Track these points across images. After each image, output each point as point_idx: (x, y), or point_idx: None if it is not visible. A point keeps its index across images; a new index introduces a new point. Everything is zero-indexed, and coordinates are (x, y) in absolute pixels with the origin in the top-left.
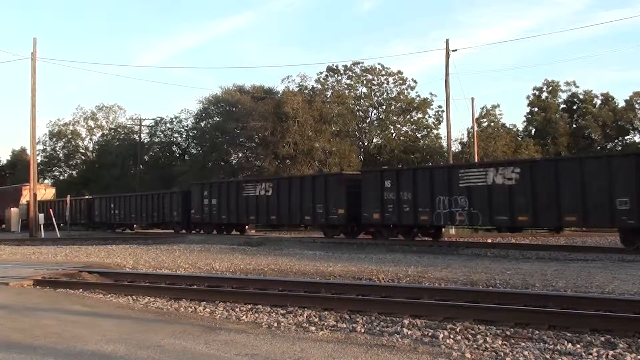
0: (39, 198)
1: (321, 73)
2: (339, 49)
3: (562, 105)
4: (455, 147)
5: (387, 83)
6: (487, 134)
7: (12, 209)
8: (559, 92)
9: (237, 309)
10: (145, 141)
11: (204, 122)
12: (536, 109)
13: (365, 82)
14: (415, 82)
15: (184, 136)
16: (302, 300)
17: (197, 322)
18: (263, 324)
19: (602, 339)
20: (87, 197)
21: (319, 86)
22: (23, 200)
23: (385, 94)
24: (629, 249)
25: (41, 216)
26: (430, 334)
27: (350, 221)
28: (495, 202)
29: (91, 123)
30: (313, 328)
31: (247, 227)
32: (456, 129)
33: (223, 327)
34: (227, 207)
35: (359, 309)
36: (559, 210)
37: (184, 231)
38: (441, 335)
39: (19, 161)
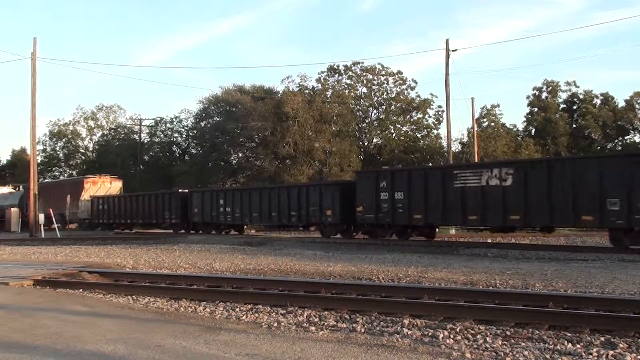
0: (102, 192)
1: (322, 73)
2: (339, 49)
3: (562, 105)
4: (455, 147)
5: (387, 83)
6: (487, 134)
7: (12, 209)
8: (559, 92)
9: (237, 309)
10: (145, 141)
11: (204, 122)
12: (536, 109)
13: (365, 82)
14: (415, 82)
15: (184, 136)
16: (302, 300)
17: (197, 322)
18: (263, 324)
19: (602, 339)
20: (180, 190)
21: (319, 86)
22: (85, 195)
23: (385, 94)
24: (626, 250)
25: (41, 216)
26: (430, 334)
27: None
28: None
29: (91, 123)
30: (313, 328)
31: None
32: (456, 129)
33: (223, 327)
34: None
35: (359, 309)
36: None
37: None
38: (441, 335)
39: (19, 161)
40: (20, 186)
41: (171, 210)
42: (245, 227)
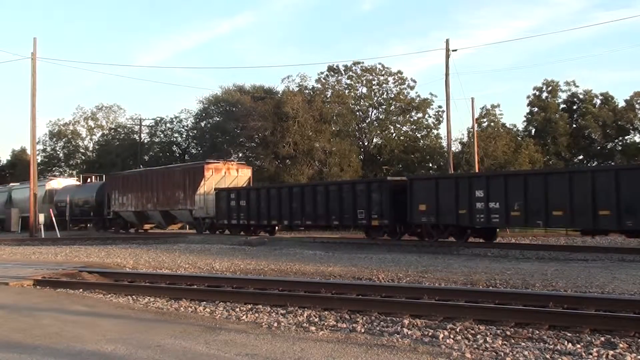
0: (227, 183)
1: (321, 73)
2: (339, 49)
3: (562, 105)
4: (455, 147)
5: (387, 83)
6: (487, 134)
7: (12, 209)
8: (558, 92)
9: (237, 309)
10: (145, 141)
11: (204, 122)
12: (536, 109)
13: (365, 82)
14: (415, 82)
15: (184, 136)
16: (302, 300)
17: (197, 322)
18: (263, 324)
19: (602, 339)
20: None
21: (319, 86)
22: (204, 187)
23: (385, 93)
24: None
25: (41, 216)
26: (430, 334)
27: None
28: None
29: (91, 123)
30: (313, 328)
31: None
32: (456, 129)
33: (223, 327)
34: None
35: (359, 309)
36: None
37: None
38: (441, 335)
39: (19, 161)
40: (95, 176)
41: (370, 207)
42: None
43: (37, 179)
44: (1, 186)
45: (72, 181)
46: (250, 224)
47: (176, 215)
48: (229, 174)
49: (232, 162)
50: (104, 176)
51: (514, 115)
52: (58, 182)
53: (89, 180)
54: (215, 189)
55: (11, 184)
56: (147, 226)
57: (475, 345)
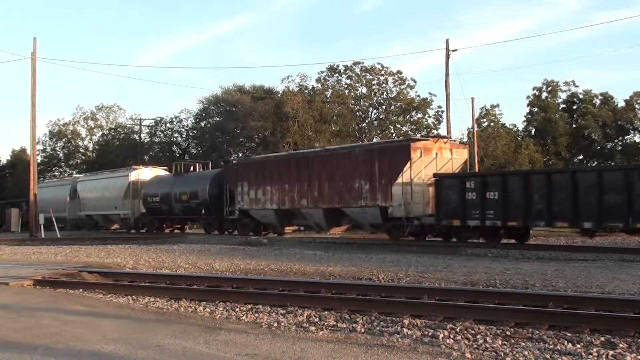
0: (437, 167)
1: (321, 73)
2: (339, 49)
3: (562, 105)
4: None
5: (387, 83)
6: (487, 134)
7: (12, 208)
8: (558, 92)
9: (237, 309)
10: (145, 141)
11: (204, 122)
12: (536, 109)
13: (365, 82)
14: (415, 82)
15: (184, 136)
16: (302, 300)
17: (197, 322)
18: (263, 324)
19: (602, 339)
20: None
21: (319, 86)
22: (409, 174)
23: (385, 93)
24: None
25: (41, 216)
26: (430, 334)
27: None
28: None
29: (91, 123)
30: (313, 328)
31: None
32: (456, 129)
33: (223, 327)
34: None
35: (359, 309)
36: None
37: None
38: (441, 335)
39: (19, 161)
40: (198, 164)
41: None
42: None
43: (118, 168)
44: (61, 178)
45: (161, 171)
46: (507, 226)
47: (351, 215)
48: (440, 156)
49: (445, 140)
50: (209, 163)
51: (514, 115)
52: (144, 172)
53: (192, 168)
54: (434, 175)
55: (75, 175)
56: (289, 229)
57: (475, 345)
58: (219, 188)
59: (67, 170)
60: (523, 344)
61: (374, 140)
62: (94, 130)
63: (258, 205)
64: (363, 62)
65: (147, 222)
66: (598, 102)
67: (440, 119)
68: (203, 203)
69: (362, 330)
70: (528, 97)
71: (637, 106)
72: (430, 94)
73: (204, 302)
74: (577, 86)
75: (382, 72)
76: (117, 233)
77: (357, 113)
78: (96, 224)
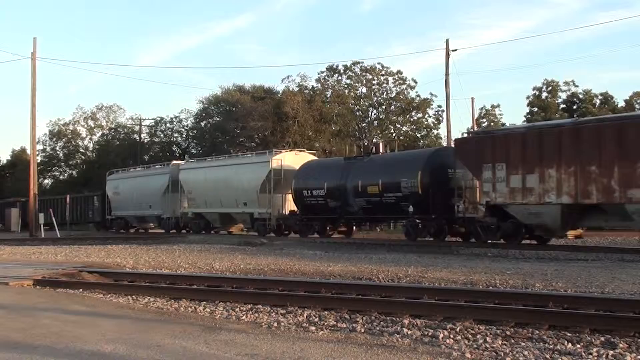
0: None
1: (321, 73)
2: (339, 49)
3: (562, 105)
4: None
5: (387, 83)
6: None
7: (12, 208)
8: (558, 92)
9: (237, 309)
10: (145, 141)
11: (204, 122)
12: (536, 109)
13: (365, 82)
14: (415, 82)
15: (184, 136)
16: (302, 300)
17: (197, 322)
18: (263, 324)
19: (602, 339)
20: None
21: (319, 86)
22: None
23: (385, 93)
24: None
25: (41, 216)
26: (430, 334)
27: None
28: None
29: (91, 123)
30: (313, 328)
31: None
32: (456, 129)
33: (223, 327)
34: None
35: (359, 309)
36: None
37: None
38: (441, 335)
39: (19, 161)
40: (382, 143)
41: None
42: None
43: (248, 152)
44: (158, 166)
45: (307, 155)
46: None
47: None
48: None
49: None
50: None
51: (514, 115)
52: (288, 157)
53: (374, 150)
54: None
55: (173, 162)
56: (573, 233)
57: (475, 345)
58: (432, 175)
59: (67, 170)
60: (523, 344)
61: (373, 140)
62: (94, 130)
63: (527, 197)
64: (363, 62)
65: (299, 224)
66: (598, 102)
67: (440, 118)
68: (410, 197)
69: (362, 330)
70: (528, 97)
71: (637, 106)
72: (431, 94)
73: (204, 302)
74: (577, 86)
75: (382, 72)
76: (119, 233)
77: (357, 113)
78: (208, 225)
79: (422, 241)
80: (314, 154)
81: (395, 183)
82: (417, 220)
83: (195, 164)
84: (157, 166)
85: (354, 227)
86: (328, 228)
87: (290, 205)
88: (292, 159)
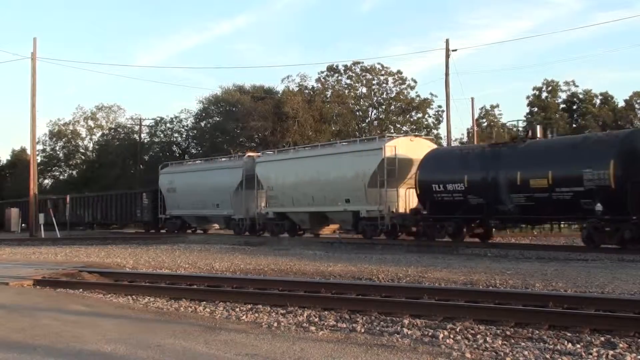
0: None
1: (321, 73)
2: (339, 49)
3: (562, 105)
4: None
5: (387, 83)
6: (487, 134)
7: (12, 208)
8: (558, 92)
9: (237, 309)
10: (145, 141)
11: (204, 122)
12: (536, 109)
13: (365, 82)
14: (415, 81)
15: (184, 136)
16: (302, 300)
17: (197, 322)
18: (263, 323)
19: (602, 339)
20: None
21: (319, 86)
22: None
23: (385, 93)
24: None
25: (41, 216)
26: (430, 334)
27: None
28: None
29: (91, 123)
30: (313, 328)
31: None
32: (456, 129)
33: (223, 327)
34: None
35: (359, 309)
36: None
37: None
38: (441, 335)
39: (19, 161)
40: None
41: None
42: None
43: (352, 139)
44: (224, 159)
45: (427, 142)
46: None
47: None
48: None
49: None
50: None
51: (514, 116)
52: (403, 144)
53: (532, 133)
54: None
55: (248, 153)
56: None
57: (475, 345)
58: (630, 164)
59: (67, 170)
60: (523, 344)
61: None
62: (94, 130)
63: None
64: (363, 62)
65: (424, 225)
66: (598, 102)
67: (440, 118)
68: (597, 192)
69: (362, 330)
70: (528, 97)
71: (637, 106)
72: (431, 94)
73: (204, 302)
74: (577, 86)
75: (382, 72)
76: (119, 233)
77: (357, 113)
78: (293, 227)
79: (422, 241)
80: (432, 141)
81: (573, 175)
82: (604, 222)
83: (277, 156)
84: (222, 159)
85: (493, 229)
86: (464, 229)
87: (406, 202)
88: (407, 147)
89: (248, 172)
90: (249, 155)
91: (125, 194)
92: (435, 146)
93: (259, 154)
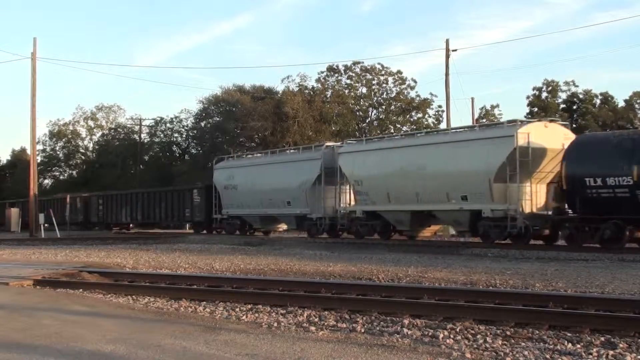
0: None
1: (321, 73)
2: (338, 49)
3: (562, 105)
4: None
5: (387, 83)
6: None
7: (12, 208)
8: (558, 92)
9: (237, 309)
10: (145, 141)
11: (204, 122)
12: (536, 109)
13: (365, 82)
14: (415, 81)
15: (184, 136)
16: (302, 300)
17: (197, 322)
18: (263, 324)
19: (602, 339)
20: None
21: (319, 86)
22: None
23: (385, 93)
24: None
25: (41, 216)
26: (430, 334)
27: None
28: None
29: (91, 123)
30: (313, 328)
31: None
32: None
33: (223, 327)
34: None
35: (359, 309)
36: None
37: None
38: (441, 335)
39: (19, 161)
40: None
41: None
42: None
43: (476, 125)
44: (292, 150)
45: (561, 129)
46: None
47: None
48: None
49: None
50: None
51: (514, 116)
52: (538, 131)
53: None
54: None
55: (327, 143)
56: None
57: (475, 345)
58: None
59: (67, 170)
60: (523, 344)
61: None
62: (94, 130)
63: None
64: (363, 62)
65: (570, 227)
66: (598, 102)
67: (440, 118)
68: None
69: (362, 330)
70: (528, 97)
71: (637, 106)
72: (431, 94)
73: (204, 302)
74: (577, 86)
75: (382, 72)
76: (116, 233)
77: (357, 113)
78: (386, 227)
79: (422, 241)
80: (566, 127)
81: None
82: None
83: (367, 145)
84: (291, 150)
85: None
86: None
87: (536, 200)
88: (540, 134)
89: (327, 164)
90: (327, 146)
91: (172, 192)
92: (570, 133)
93: (339, 143)
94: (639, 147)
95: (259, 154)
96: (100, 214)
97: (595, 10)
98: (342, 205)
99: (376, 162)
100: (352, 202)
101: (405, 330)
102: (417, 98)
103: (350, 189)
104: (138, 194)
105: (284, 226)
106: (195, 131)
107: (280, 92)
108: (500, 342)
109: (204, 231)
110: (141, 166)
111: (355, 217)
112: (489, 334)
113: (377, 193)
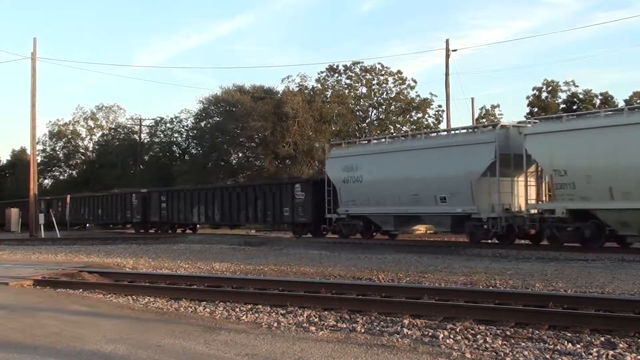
0: None
1: (321, 73)
2: (338, 49)
3: (562, 105)
4: None
5: (387, 83)
6: None
7: (12, 208)
8: (558, 92)
9: (237, 309)
10: (145, 141)
11: (204, 122)
12: (536, 109)
13: (365, 82)
14: (415, 81)
15: (184, 136)
16: (302, 300)
17: (197, 322)
18: (263, 324)
19: (602, 339)
20: None
21: (319, 86)
22: None
23: (385, 93)
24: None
25: (41, 216)
26: (430, 334)
27: None
28: None
29: (91, 123)
30: (313, 328)
31: None
32: None
33: (223, 327)
34: None
35: (359, 309)
36: None
37: None
38: (441, 335)
39: (19, 161)
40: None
41: None
42: None
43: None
44: (444, 133)
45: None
46: None
47: None
48: None
49: None
50: None
51: (514, 115)
52: None
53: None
54: None
55: (502, 123)
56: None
57: (475, 345)
58: None
59: (67, 170)
60: (523, 344)
61: None
62: (94, 130)
63: None
64: (363, 62)
65: None
66: (598, 102)
67: (440, 118)
68: None
69: (362, 330)
70: (528, 97)
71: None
72: (431, 94)
73: (204, 302)
74: (577, 86)
75: (382, 72)
76: (117, 233)
77: (357, 113)
78: (599, 232)
79: (422, 241)
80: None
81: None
82: None
83: (573, 123)
84: (443, 133)
85: None
86: None
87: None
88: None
89: (502, 150)
90: (503, 125)
91: (265, 186)
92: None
93: (518, 122)
94: None
95: (383, 140)
96: (163, 213)
97: (596, 10)
98: (530, 201)
99: (590, 144)
100: (545, 199)
101: (405, 330)
102: (417, 98)
103: (541, 182)
104: (216, 189)
105: (421, 228)
106: (195, 131)
107: (280, 92)
108: (500, 342)
109: (309, 234)
110: (141, 166)
111: (555, 218)
112: (489, 334)
113: (592, 186)
